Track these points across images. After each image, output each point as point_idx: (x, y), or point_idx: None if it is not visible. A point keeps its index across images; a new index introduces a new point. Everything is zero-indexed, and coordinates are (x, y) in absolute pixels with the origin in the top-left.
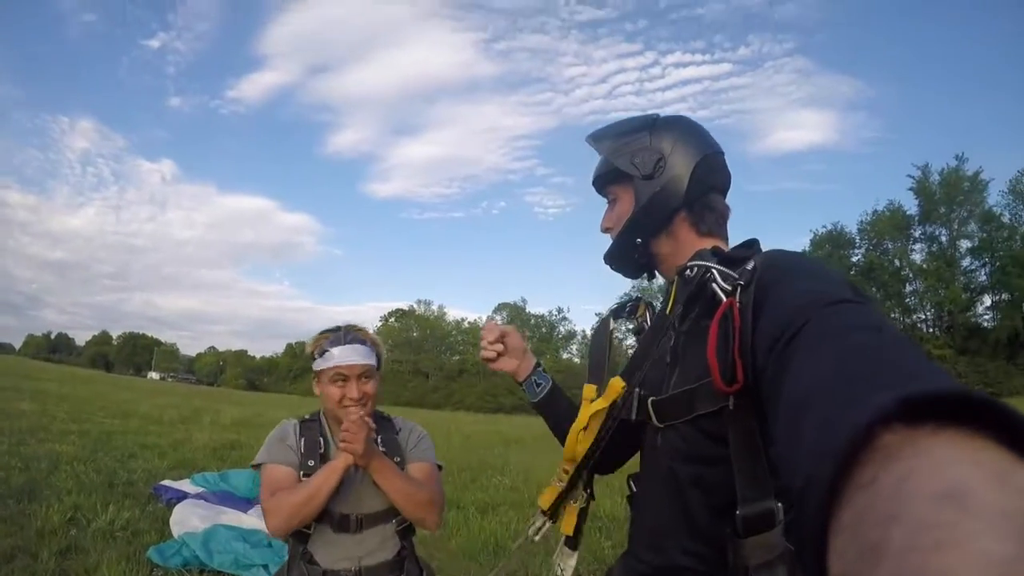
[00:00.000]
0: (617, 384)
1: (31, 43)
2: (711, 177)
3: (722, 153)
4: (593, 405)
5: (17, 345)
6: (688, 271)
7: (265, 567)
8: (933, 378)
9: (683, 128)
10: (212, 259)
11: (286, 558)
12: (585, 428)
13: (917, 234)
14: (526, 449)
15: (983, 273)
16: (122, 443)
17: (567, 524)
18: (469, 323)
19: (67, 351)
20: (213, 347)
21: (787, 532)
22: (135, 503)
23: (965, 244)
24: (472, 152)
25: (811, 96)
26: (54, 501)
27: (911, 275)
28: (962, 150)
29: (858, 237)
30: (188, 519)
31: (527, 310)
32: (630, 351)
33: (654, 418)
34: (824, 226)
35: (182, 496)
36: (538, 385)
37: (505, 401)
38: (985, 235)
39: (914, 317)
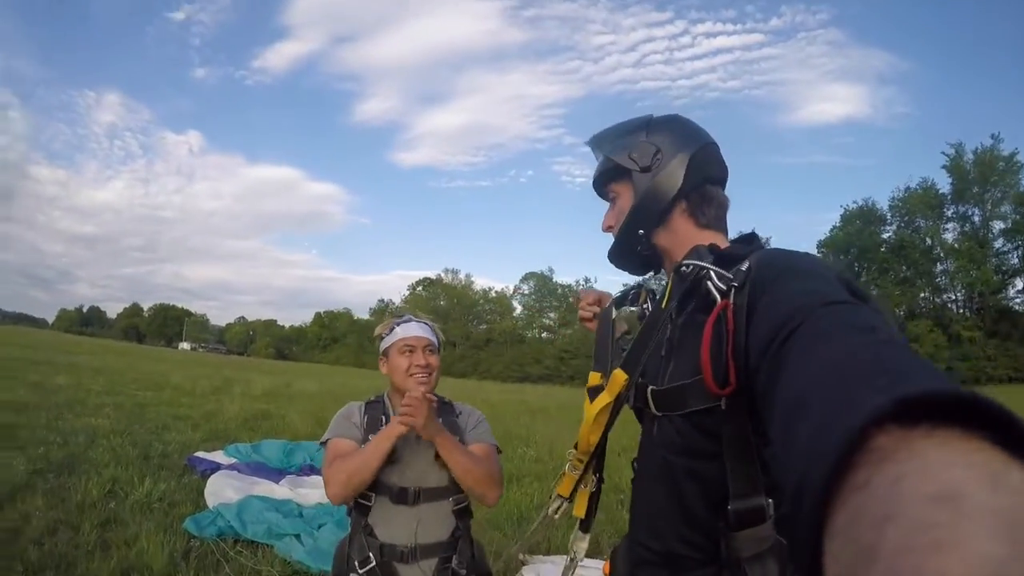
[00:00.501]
0: (620, 377)
1: (55, 19)
2: (707, 168)
3: (717, 145)
4: (599, 401)
5: (50, 319)
6: (684, 268)
7: (297, 536)
8: (927, 379)
9: (678, 123)
10: (240, 229)
11: (347, 532)
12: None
13: (949, 213)
14: (551, 420)
15: (1016, 256)
16: (155, 415)
17: (579, 507)
18: (496, 292)
19: (99, 324)
20: (243, 317)
21: (778, 526)
22: (170, 475)
23: (998, 225)
24: (499, 120)
25: (843, 69)
26: (93, 475)
27: (942, 254)
28: (998, 129)
29: (889, 214)
30: (222, 490)
31: (554, 279)
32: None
33: (652, 406)
34: (855, 202)
35: (216, 467)
36: None
37: (531, 370)
38: (1019, 217)
39: (944, 297)
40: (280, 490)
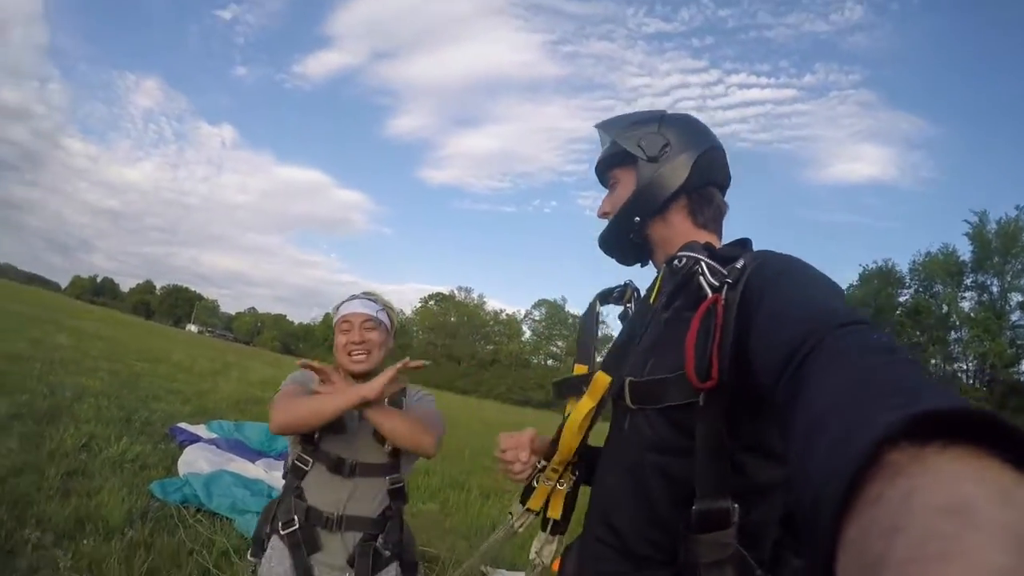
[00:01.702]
0: (603, 380)
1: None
2: (713, 170)
3: (724, 151)
4: (582, 406)
5: (63, 284)
6: (676, 261)
7: (259, 514)
8: (942, 398)
9: (689, 121)
10: (262, 224)
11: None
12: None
13: (968, 281)
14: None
15: None
16: (149, 385)
17: (554, 508)
18: (507, 315)
19: (111, 295)
20: (253, 308)
21: (740, 535)
22: (149, 439)
23: (1016, 298)
24: (529, 150)
25: (873, 130)
26: (71, 427)
27: (958, 322)
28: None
29: (908, 277)
30: (196, 461)
31: (566, 308)
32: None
33: (628, 399)
34: (875, 262)
35: (196, 439)
36: None
37: (533, 395)
38: None
39: (955, 366)
40: (254, 469)
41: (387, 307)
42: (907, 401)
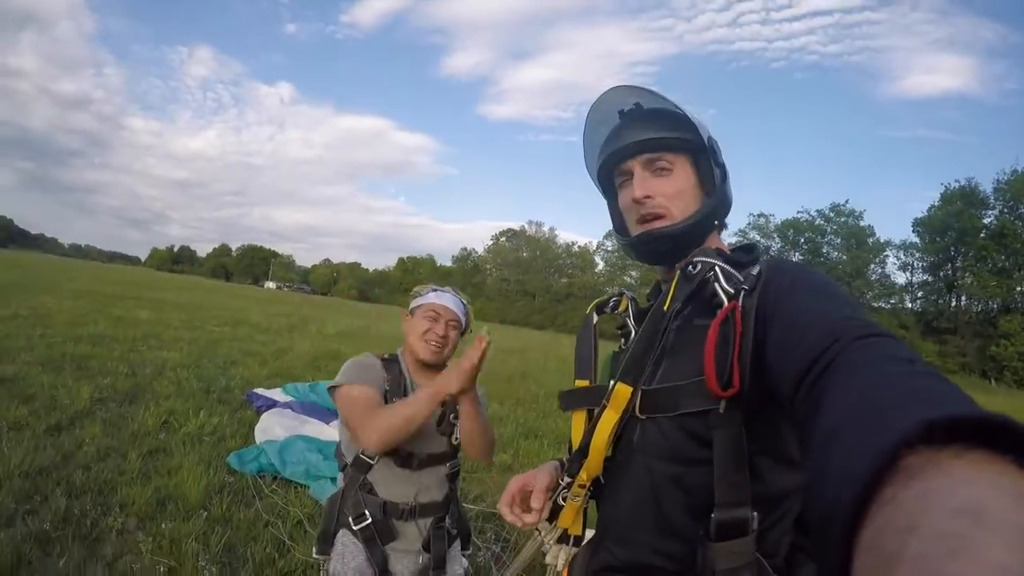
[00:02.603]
0: (624, 392)
1: None
2: None
3: None
4: (607, 420)
5: (143, 257)
6: (691, 267)
7: (333, 480)
8: (961, 406)
9: None
10: (329, 176)
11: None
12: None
13: None
14: None
15: None
16: (227, 350)
17: (575, 525)
18: (579, 247)
19: (189, 262)
20: (328, 259)
21: (758, 542)
22: (227, 409)
23: None
24: (589, 77)
25: (950, 38)
26: (152, 405)
27: None
28: None
29: (993, 197)
30: (272, 428)
31: None
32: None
33: (637, 408)
34: (957, 181)
35: (272, 404)
36: None
37: (607, 328)
38: None
39: None
40: (329, 431)
41: (469, 311)
42: (924, 408)
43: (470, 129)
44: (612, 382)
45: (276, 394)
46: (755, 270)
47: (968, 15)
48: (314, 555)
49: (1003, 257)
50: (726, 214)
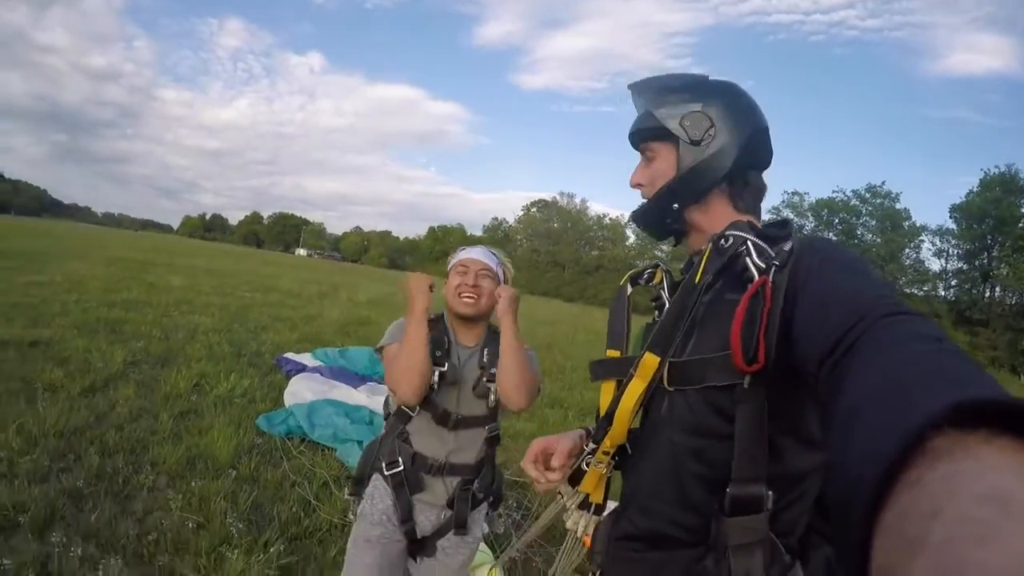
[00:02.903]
0: (652, 361)
1: None
2: (757, 155)
3: (768, 130)
4: (633, 389)
5: (175, 226)
6: (723, 241)
7: (359, 443)
8: (988, 388)
9: (735, 97)
10: (360, 145)
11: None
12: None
13: None
14: None
15: None
16: (258, 316)
17: (596, 491)
18: (610, 219)
19: (221, 230)
20: (359, 227)
21: (772, 521)
22: (257, 372)
23: None
24: (625, 47)
25: (993, 16)
26: (184, 368)
27: None
28: None
29: None
30: (301, 391)
31: None
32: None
33: (665, 380)
34: (997, 167)
35: (301, 368)
36: None
37: (640, 300)
38: None
39: None
40: (357, 395)
41: (505, 263)
42: (952, 389)
43: (503, 99)
44: (641, 352)
45: (306, 359)
46: (787, 246)
47: None
48: (346, 495)
49: None
50: (698, 192)
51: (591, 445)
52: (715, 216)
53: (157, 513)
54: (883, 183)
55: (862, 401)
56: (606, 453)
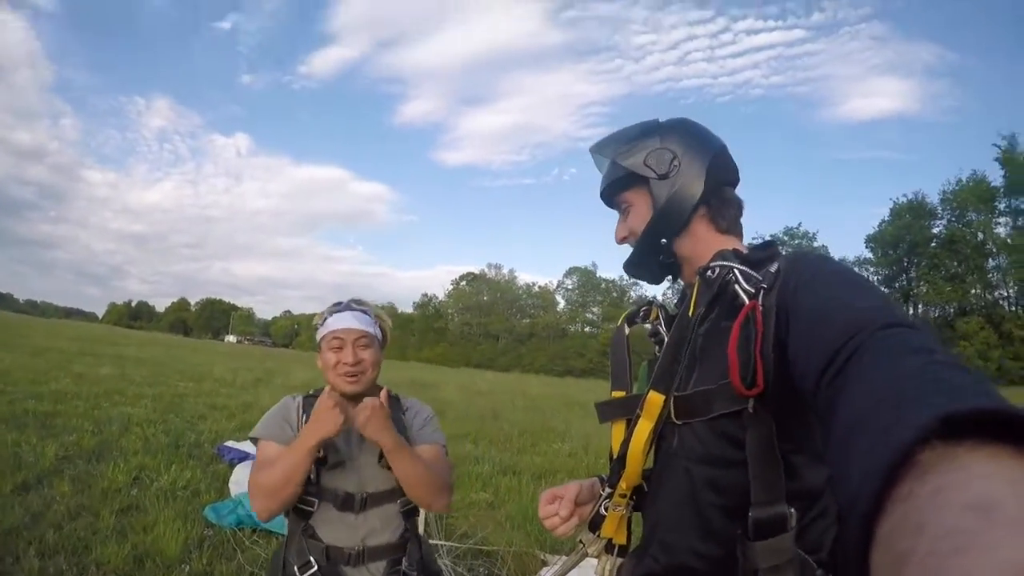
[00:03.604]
0: (657, 399)
1: (104, 30)
2: (724, 173)
3: (727, 148)
4: (641, 429)
5: (100, 313)
6: (709, 272)
7: None
8: (981, 397)
9: (690, 128)
10: (287, 227)
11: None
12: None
13: (1002, 207)
14: (589, 415)
15: None
16: (193, 405)
17: (619, 534)
18: (539, 287)
19: (148, 318)
20: (288, 311)
21: (799, 539)
22: (198, 463)
23: None
24: (543, 120)
25: (889, 63)
26: (121, 462)
27: (995, 250)
28: None
29: (940, 208)
30: (246, 480)
31: (598, 274)
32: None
33: (673, 414)
34: (904, 195)
35: (244, 456)
36: None
37: (574, 364)
38: None
39: (996, 294)
40: None
41: (379, 317)
42: (945, 401)
43: (426, 176)
44: (645, 391)
45: (247, 446)
46: (773, 267)
47: (905, 40)
48: None
49: (955, 263)
50: (680, 220)
51: (607, 490)
52: (700, 242)
53: None
54: (799, 224)
55: (858, 417)
56: (623, 496)
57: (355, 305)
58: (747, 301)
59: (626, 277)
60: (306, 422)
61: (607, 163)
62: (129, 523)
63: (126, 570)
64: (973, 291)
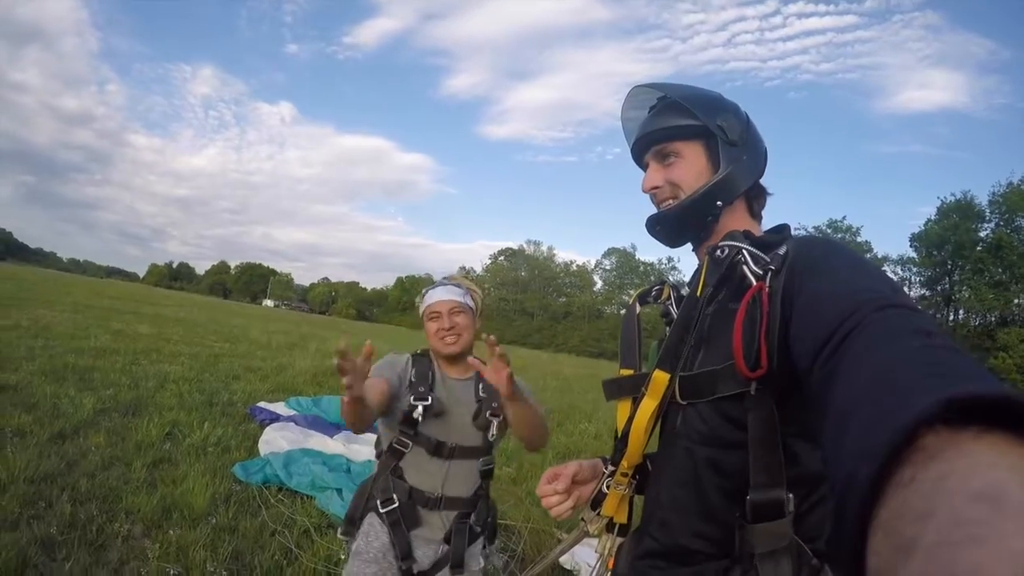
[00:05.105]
0: (662, 378)
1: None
2: (766, 166)
3: None
4: (645, 407)
5: (141, 274)
6: (719, 251)
7: (339, 491)
8: (981, 382)
9: (747, 115)
10: (328, 195)
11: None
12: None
13: None
14: None
15: None
16: (228, 366)
17: (620, 513)
18: (577, 266)
19: (188, 279)
20: (327, 278)
21: (796, 525)
22: (230, 421)
23: None
24: (587, 97)
25: (941, 55)
26: (155, 417)
27: None
28: None
29: (988, 210)
30: (276, 440)
31: (636, 256)
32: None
33: (678, 394)
34: (952, 195)
35: (275, 418)
36: None
37: (607, 346)
38: None
39: None
40: (333, 444)
41: (471, 290)
42: (944, 384)
43: (469, 149)
44: (651, 369)
45: (280, 408)
46: (782, 250)
47: (958, 31)
48: (339, 535)
49: (1000, 270)
50: (738, 192)
51: (610, 468)
52: (737, 219)
53: (133, 563)
54: (844, 218)
55: (854, 398)
56: (625, 475)
57: (447, 281)
58: (754, 283)
59: (665, 261)
60: (414, 374)
61: (659, 107)
62: (160, 475)
63: (154, 520)
64: (1016, 301)
